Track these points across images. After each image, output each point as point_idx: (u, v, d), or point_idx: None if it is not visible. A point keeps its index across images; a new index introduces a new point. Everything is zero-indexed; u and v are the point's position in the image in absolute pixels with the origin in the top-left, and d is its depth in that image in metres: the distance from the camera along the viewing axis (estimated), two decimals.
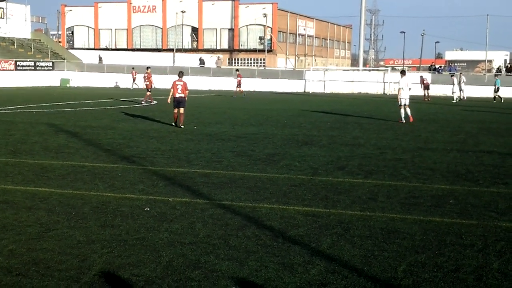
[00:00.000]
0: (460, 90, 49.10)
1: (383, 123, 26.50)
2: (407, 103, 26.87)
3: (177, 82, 23.05)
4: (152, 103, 36.88)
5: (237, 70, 52.84)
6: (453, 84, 48.57)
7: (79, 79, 65.24)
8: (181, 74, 23.75)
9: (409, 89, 27.37)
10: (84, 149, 16.89)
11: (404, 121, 26.66)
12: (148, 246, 8.07)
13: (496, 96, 47.95)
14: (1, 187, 11.64)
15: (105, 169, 13.63)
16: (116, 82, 64.11)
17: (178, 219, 9.39)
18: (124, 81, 62.85)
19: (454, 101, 46.28)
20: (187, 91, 23.24)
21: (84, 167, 13.92)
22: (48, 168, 13.72)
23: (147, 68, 40.78)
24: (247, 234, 8.66)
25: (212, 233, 8.67)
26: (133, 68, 57.40)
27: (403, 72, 28.68)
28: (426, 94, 48.92)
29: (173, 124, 23.09)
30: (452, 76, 51.04)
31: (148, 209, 10.02)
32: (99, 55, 79.95)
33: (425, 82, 50.15)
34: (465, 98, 49.12)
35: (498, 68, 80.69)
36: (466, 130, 23.73)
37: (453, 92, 48.37)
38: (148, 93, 37.67)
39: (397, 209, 10.25)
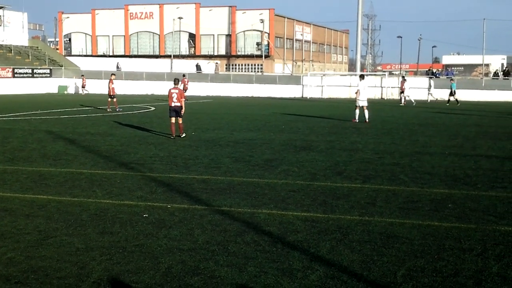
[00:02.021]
0: (429, 93, 50.36)
1: (380, 127, 26.52)
2: (366, 104, 29.39)
3: (172, 90, 21.38)
4: (117, 110, 35.78)
5: (183, 75, 53.10)
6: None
7: (77, 86, 65.25)
8: (176, 81, 22.16)
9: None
10: (82, 156, 16.88)
11: (357, 121, 29.06)
12: (147, 253, 8.06)
13: (451, 99, 48.49)
14: None
15: (104, 176, 13.62)
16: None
17: (177, 226, 9.38)
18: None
19: (414, 104, 47.03)
20: (184, 99, 21.72)
21: (82, 174, 13.91)
22: (46, 175, 13.71)
23: (112, 74, 39.44)
24: (246, 240, 8.66)
25: (211, 239, 8.66)
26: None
27: (361, 76, 31.67)
28: (402, 98, 49.47)
29: (172, 137, 21.13)
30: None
31: (146, 215, 10.01)
32: (117, 62, 79.67)
33: (403, 87, 50.11)
34: (437, 100, 50.11)
35: (495, 72, 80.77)
36: (463, 134, 23.75)
37: (408, 96, 49.14)
38: (110, 99, 36.33)
39: (396, 214, 10.25)
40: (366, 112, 29.17)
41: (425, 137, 22.41)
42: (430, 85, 53.40)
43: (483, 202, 11.22)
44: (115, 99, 36.53)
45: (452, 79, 53.92)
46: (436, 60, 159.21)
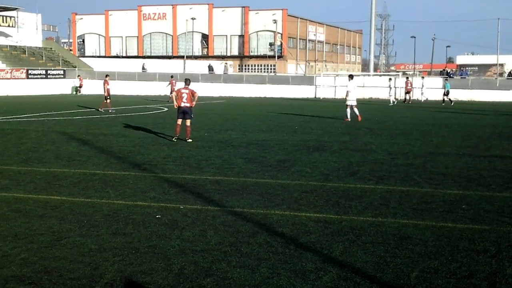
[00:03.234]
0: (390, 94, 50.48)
1: (394, 128, 26.42)
2: (355, 103, 30.35)
3: (182, 90, 20.48)
4: (111, 111, 35.66)
5: (171, 76, 53.38)
6: (390, 88, 50.26)
7: (90, 87, 65.48)
8: (187, 81, 21.00)
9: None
10: (95, 156, 16.94)
11: (349, 120, 30.01)
12: (159, 253, 8.06)
13: (446, 99, 49.21)
14: (13, 195, 11.69)
15: (116, 177, 13.65)
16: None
17: (190, 227, 9.39)
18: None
19: (391, 104, 47.54)
20: (196, 97, 20.69)
21: (96, 175, 13.96)
22: (60, 176, 13.76)
23: (106, 75, 39.27)
24: (258, 241, 8.64)
25: (224, 240, 8.66)
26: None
27: (351, 76, 32.25)
28: (407, 98, 51.81)
29: (174, 139, 20.50)
30: (390, 79, 52.72)
31: (159, 216, 10.02)
32: (143, 63, 79.95)
33: (408, 86, 52.15)
34: (395, 102, 49.94)
35: (510, 72, 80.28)
36: (477, 135, 23.61)
37: (389, 96, 49.98)
38: (106, 101, 36.20)
39: (409, 215, 10.20)
40: (356, 110, 30.16)
41: (439, 138, 22.31)
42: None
43: (498, 203, 11.14)
44: (108, 100, 36.32)
45: (446, 79, 54.73)
46: (450, 60, 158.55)
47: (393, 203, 11.09)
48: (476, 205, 11.00)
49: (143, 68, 76.27)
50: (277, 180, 13.33)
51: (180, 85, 53.53)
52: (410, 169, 14.93)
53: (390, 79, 52.82)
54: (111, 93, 37.86)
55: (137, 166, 15.28)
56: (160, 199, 11.40)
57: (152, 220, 9.81)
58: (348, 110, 30.50)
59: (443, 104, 48.75)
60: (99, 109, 36.30)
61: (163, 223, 9.62)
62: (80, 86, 62.65)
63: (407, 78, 54.93)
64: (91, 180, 13.31)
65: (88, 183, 12.93)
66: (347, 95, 30.74)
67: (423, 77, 56.32)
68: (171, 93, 49.81)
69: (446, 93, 49.50)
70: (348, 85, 31.13)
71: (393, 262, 7.78)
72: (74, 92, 65.50)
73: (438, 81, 58.85)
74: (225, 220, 9.77)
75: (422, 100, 53.07)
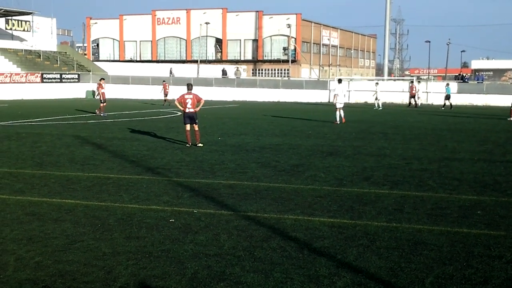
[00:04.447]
0: (376, 98, 50.41)
1: (408, 133, 26.32)
2: (342, 106, 31.50)
3: (186, 96, 20.26)
4: (103, 115, 35.61)
5: (163, 81, 53.70)
6: (376, 92, 50.36)
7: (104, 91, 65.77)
8: (190, 86, 20.71)
9: (344, 95, 32.56)
10: (109, 160, 16.98)
11: (338, 122, 31.17)
12: (173, 258, 8.06)
13: (446, 103, 49.62)
14: (27, 199, 11.74)
15: (130, 181, 13.68)
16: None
17: (203, 231, 9.38)
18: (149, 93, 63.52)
19: (376, 108, 47.90)
20: (201, 104, 20.63)
21: (109, 178, 13.99)
22: (74, 180, 13.81)
23: (101, 79, 39.35)
24: (272, 245, 8.62)
25: (237, 245, 8.64)
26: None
27: (339, 81, 33.64)
28: (413, 103, 52.17)
29: (188, 144, 20.28)
30: (376, 84, 52.85)
31: (173, 220, 10.03)
32: (171, 68, 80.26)
33: (413, 91, 52.52)
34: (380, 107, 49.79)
35: None
36: (493, 140, 23.47)
37: (376, 99, 50.01)
38: (102, 104, 36.29)
39: (424, 220, 10.14)
40: (342, 113, 31.58)
41: (454, 143, 22.18)
42: (379, 90, 54.54)
43: None
44: (102, 104, 36.32)
45: (447, 84, 55.03)
46: (465, 65, 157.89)
47: (407, 208, 11.03)
48: (492, 210, 10.92)
49: (170, 72, 76.56)
50: (291, 185, 13.31)
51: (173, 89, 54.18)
52: (425, 174, 14.85)
53: (376, 83, 52.96)
54: (107, 96, 38.16)
55: (150, 170, 15.30)
56: (174, 203, 11.40)
57: (165, 224, 9.81)
58: (338, 113, 31.58)
59: (442, 108, 49.06)
60: (97, 113, 36.28)
61: (176, 227, 9.62)
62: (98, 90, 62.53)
63: (411, 82, 55.10)
64: (105, 184, 13.35)
65: (102, 187, 12.96)
66: (335, 99, 32.05)
67: (419, 81, 56.31)
68: (165, 97, 50.54)
69: (447, 97, 49.88)
70: (336, 88, 32.41)
71: (408, 267, 7.73)
72: (91, 96, 65.53)
73: (441, 85, 59.01)
74: (238, 225, 9.76)
75: (419, 104, 53.14)
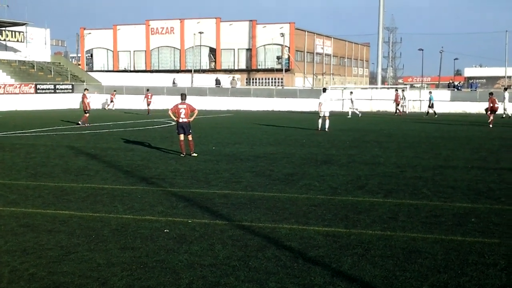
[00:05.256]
0: (351, 107, 50.63)
1: (402, 141, 26.37)
2: (327, 115, 32.13)
3: (179, 106, 20.32)
4: (86, 125, 35.53)
5: (147, 90, 54.00)
6: (351, 101, 50.44)
7: (98, 101, 65.68)
8: (183, 96, 20.84)
9: (328, 104, 33.07)
10: (103, 171, 16.97)
11: (320, 130, 31.67)
12: (168, 268, 8.05)
13: (430, 111, 50.12)
14: (21, 210, 11.71)
15: (125, 191, 13.67)
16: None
17: (198, 241, 9.38)
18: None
19: (349, 117, 48.08)
20: (195, 114, 20.66)
21: (104, 189, 13.98)
22: (68, 191, 13.79)
23: (85, 89, 39.40)
24: (267, 255, 8.62)
25: (232, 255, 8.64)
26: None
27: (324, 90, 34.82)
28: (399, 110, 53.30)
29: (182, 154, 20.20)
30: (351, 93, 53.09)
31: (167, 231, 10.02)
32: (174, 78, 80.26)
33: (397, 99, 53.75)
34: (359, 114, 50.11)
35: None
36: (486, 147, 23.53)
37: (350, 108, 50.21)
38: (85, 114, 36.13)
39: (418, 228, 10.16)
40: (327, 122, 32.01)
41: (448, 151, 22.23)
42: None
43: (507, 217, 11.08)
44: (87, 114, 36.24)
45: (430, 92, 55.93)
46: (458, 73, 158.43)
47: (402, 217, 11.05)
48: (486, 218, 10.95)
49: (173, 82, 76.57)
50: (285, 194, 13.32)
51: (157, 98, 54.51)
52: (419, 182, 14.88)
53: (351, 92, 53.45)
54: (92, 107, 38.22)
55: (145, 180, 15.29)
56: (168, 213, 11.40)
57: (160, 234, 9.81)
58: (320, 121, 32.30)
59: (426, 116, 49.63)
60: (79, 123, 36.09)
61: (171, 237, 9.62)
62: (111, 100, 62.31)
63: (396, 90, 56.09)
64: (100, 194, 13.33)
65: (96, 198, 12.95)
66: (320, 107, 32.60)
67: (403, 90, 56.97)
68: (148, 106, 50.95)
69: (431, 105, 50.48)
70: (321, 97, 33.11)
71: (402, 276, 7.74)
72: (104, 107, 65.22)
73: (423, 93, 59.90)
74: (233, 234, 9.76)
75: (406, 112, 54.31)
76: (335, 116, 34.22)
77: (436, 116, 48.49)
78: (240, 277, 7.68)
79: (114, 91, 57.02)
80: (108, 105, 63.07)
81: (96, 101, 63.29)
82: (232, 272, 7.89)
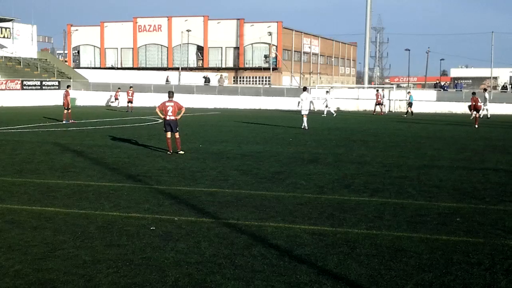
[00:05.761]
0: (326, 106, 51.65)
1: (388, 140, 26.47)
2: (306, 113, 32.88)
3: (167, 103, 20.30)
4: (70, 121, 35.80)
5: (130, 87, 54.41)
6: (326, 100, 51.80)
7: (85, 98, 65.41)
8: (171, 94, 20.73)
9: (310, 102, 34.98)
10: (89, 168, 16.91)
11: (307, 128, 32.26)
12: (154, 265, 8.05)
13: (408, 110, 51.36)
14: (7, 206, 11.66)
15: (111, 188, 13.64)
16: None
17: (184, 239, 9.38)
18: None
19: (324, 115, 49.05)
20: (183, 111, 20.62)
21: (90, 186, 13.94)
22: (54, 188, 13.74)
23: (68, 86, 39.74)
24: (253, 253, 8.64)
25: (218, 253, 8.65)
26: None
27: (305, 89, 35.79)
28: (378, 110, 53.77)
29: (169, 152, 20.15)
30: (327, 92, 53.89)
31: (154, 228, 10.01)
32: (167, 76, 79.96)
33: (378, 99, 54.32)
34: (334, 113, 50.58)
35: (503, 85, 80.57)
36: (471, 148, 23.67)
37: (326, 107, 51.39)
38: (66, 111, 36.44)
39: (404, 227, 10.21)
40: (305, 120, 32.77)
41: (433, 150, 22.34)
42: (330, 98, 55.87)
43: (491, 216, 11.17)
44: (66, 111, 36.49)
45: (409, 92, 56.99)
46: (444, 73, 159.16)
47: (387, 216, 11.10)
48: (470, 217, 11.03)
49: (167, 80, 76.32)
50: (272, 192, 13.34)
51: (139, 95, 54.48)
52: (405, 182, 14.95)
53: (327, 92, 53.96)
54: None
55: (131, 177, 15.26)
56: (155, 210, 11.39)
57: (146, 231, 9.80)
58: (305, 119, 32.84)
59: (405, 115, 50.19)
60: (63, 121, 36.21)
61: (157, 234, 9.61)
62: (116, 98, 61.75)
63: (377, 90, 56.74)
64: (86, 191, 13.29)
65: (82, 195, 12.91)
66: (298, 105, 33.84)
67: (377, 90, 57.35)
68: (128, 103, 51.28)
69: (409, 105, 51.52)
70: (301, 96, 33.72)
71: (388, 274, 7.78)
72: (73, 103, 64.90)
73: (431, 93, 60.48)
74: (219, 232, 9.77)
75: (385, 112, 55.33)
76: (311, 115, 34.67)
77: (412, 115, 49.36)
78: (226, 275, 7.69)
79: (119, 88, 56.77)
80: (113, 102, 62.53)
81: (121, 99, 61.59)
82: (218, 270, 7.90)
